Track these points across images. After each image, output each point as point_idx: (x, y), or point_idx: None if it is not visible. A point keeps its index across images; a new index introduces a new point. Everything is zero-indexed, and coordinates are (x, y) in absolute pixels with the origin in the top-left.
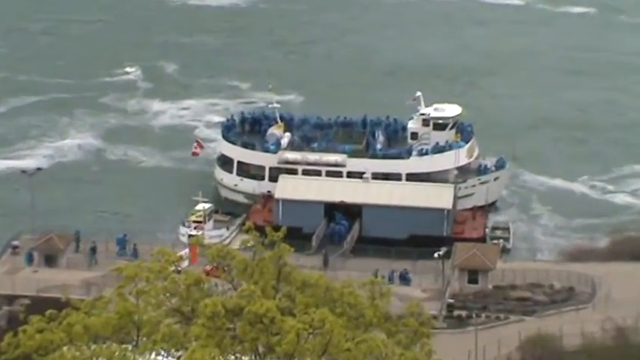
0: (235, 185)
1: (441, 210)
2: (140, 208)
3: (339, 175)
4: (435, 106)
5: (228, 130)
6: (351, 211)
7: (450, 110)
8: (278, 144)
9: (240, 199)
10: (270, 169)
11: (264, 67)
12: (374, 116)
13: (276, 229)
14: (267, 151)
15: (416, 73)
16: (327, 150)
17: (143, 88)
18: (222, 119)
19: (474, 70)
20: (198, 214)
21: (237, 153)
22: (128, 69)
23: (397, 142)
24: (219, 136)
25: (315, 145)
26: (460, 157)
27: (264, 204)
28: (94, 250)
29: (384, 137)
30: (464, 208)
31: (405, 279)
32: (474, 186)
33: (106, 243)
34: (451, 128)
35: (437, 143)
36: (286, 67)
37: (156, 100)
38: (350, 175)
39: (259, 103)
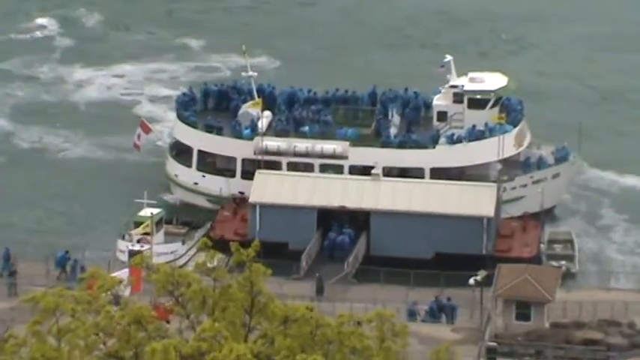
0: (195, 184)
1: (479, 219)
2: (63, 214)
3: (338, 170)
4: (471, 75)
5: (185, 108)
6: (355, 220)
7: (492, 81)
8: (254, 127)
9: (202, 202)
10: (244, 161)
11: (225, 17)
12: (386, 89)
13: (250, 244)
14: (239, 136)
15: (441, 28)
16: (321, 136)
17: (60, 48)
18: (176, 92)
19: (519, 24)
20: (143, 223)
21: (198, 139)
22: (39, 20)
23: (418, 124)
24: (172, 116)
25: (306, 129)
26: (506, 145)
27: (234, 210)
28: (12, 273)
29: (400, 118)
30: (510, 217)
31: (444, 311)
32: (524, 186)
33: (32, 263)
34: (493, 106)
35: (473, 127)
36: (254, 17)
37: (77, 65)
38: (353, 170)
39: (222, 71)
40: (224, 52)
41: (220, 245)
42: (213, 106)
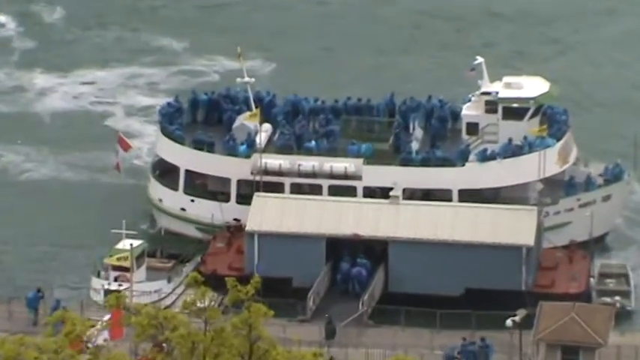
0: (183, 210)
1: (517, 248)
2: (26, 245)
3: (350, 192)
4: (507, 79)
5: (171, 121)
6: (371, 252)
7: (531, 87)
8: (252, 143)
9: (191, 231)
10: (240, 183)
11: (213, 14)
12: (406, 97)
13: (247, 280)
14: (233, 153)
15: (470, 25)
16: (330, 152)
17: (18, 50)
18: (156, 102)
19: (562, 20)
20: (122, 256)
21: (186, 158)
22: None
23: (445, 138)
24: (153, 130)
25: (312, 144)
26: (548, 162)
27: (229, 240)
28: None
29: (423, 131)
30: (554, 246)
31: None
32: (570, 210)
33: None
34: (533, 116)
35: (509, 141)
36: (247, 13)
37: (38, 70)
38: (369, 192)
39: (210, 75)
40: (211, 54)
41: (212, 281)
42: (203, 118)
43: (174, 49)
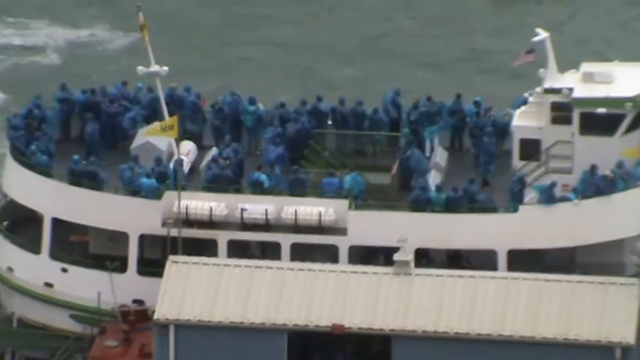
0: (48, 286)
1: (607, 350)
2: None
3: (328, 255)
4: (587, 67)
5: (27, 140)
6: (362, 352)
7: (628, 80)
8: (163, 173)
9: (62, 321)
10: (144, 240)
11: None
12: (419, 97)
13: None
14: (133, 190)
15: None
16: (295, 189)
17: None
18: (12, 110)
19: None
20: None
21: (54, 199)
22: None
23: (485, 164)
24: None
25: (263, 177)
26: None
27: (125, 336)
28: None
29: (447, 154)
30: None
31: None
32: None
33: None
34: (631, 129)
35: (592, 169)
36: None
37: None
38: (358, 255)
39: (48, 54)
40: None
41: None
42: (81, 132)
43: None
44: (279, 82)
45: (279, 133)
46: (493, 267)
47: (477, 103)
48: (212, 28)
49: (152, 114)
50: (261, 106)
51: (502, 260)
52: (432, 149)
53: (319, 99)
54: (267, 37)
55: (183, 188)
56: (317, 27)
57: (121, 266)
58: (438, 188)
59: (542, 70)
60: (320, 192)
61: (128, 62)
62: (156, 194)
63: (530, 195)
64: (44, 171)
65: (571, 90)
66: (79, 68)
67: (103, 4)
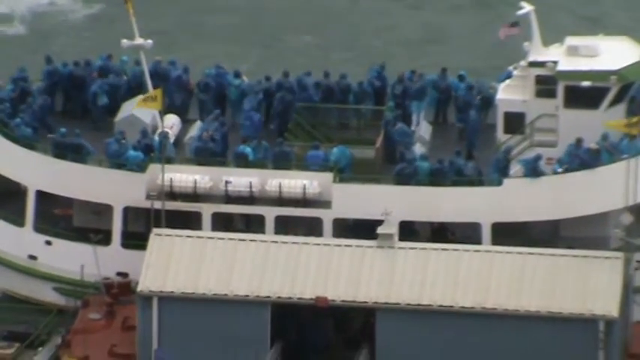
0: (31, 258)
1: (591, 322)
2: None
3: (312, 228)
4: (571, 41)
5: (11, 111)
6: (346, 325)
7: (612, 53)
8: (148, 146)
9: (46, 294)
10: (128, 213)
11: None
12: (404, 70)
13: None
14: (118, 163)
15: None
16: (279, 162)
17: None
18: None
19: None
20: None
21: (38, 172)
22: None
23: (470, 138)
24: None
25: (248, 150)
26: None
27: (109, 308)
28: None
29: (432, 127)
30: None
31: None
32: None
33: None
34: (615, 102)
35: (577, 142)
36: None
37: None
38: (343, 228)
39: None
40: None
41: None
42: (64, 105)
43: None
44: (241, 50)
45: (259, 100)
46: (477, 240)
47: (461, 77)
48: None
49: (137, 87)
50: (245, 79)
51: (486, 233)
52: (418, 122)
53: (307, 73)
54: (232, 4)
55: (171, 161)
56: None
57: (105, 239)
58: (423, 157)
59: (526, 44)
60: (304, 165)
61: (91, 32)
62: (142, 167)
63: (514, 168)
64: (28, 144)
65: (555, 63)
66: (44, 39)
67: None
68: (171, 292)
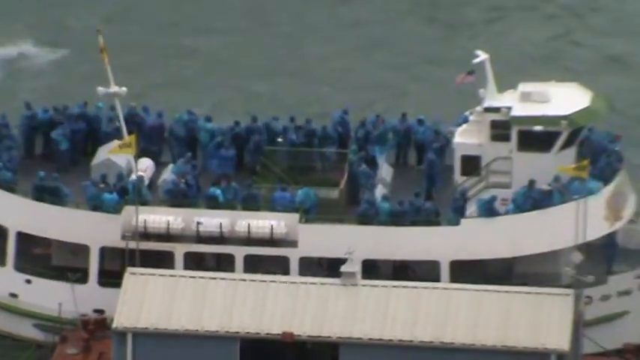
0: (12, 296)
1: (544, 356)
2: None
3: (279, 266)
4: (524, 87)
5: None
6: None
7: (563, 99)
8: (123, 189)
9: (25, 330)
10: (104, 253)
11: None
12: (367, 116)
13: None
14: (94, 205)
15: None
16: (248, 204)
17: None
18: None
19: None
20: None
21: (17, 214)
22: None
23: (430, 179)
24: None
25: (218, 192)
26: (591, 219)
27: (85, 344)
28: None
29: (393, 170)
30: (602, 352)
31: None
32: (625, 293)
33: None
34: (566, 145)
35: (530, 184)
36: None
37: None
38: (308, 266)
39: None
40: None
41: None
42: (43, 149)
43: None
44: (202, 96)
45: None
46: (437, 277)
47: (420, 121)
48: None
49: (95, 131)
50: (215, 124)
51: (445, 270)
52: (381, 166)
53: (275, 118)
54: (197, 47)
55: (146, 203)
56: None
57: (83, 277)
58: (385, 198)
59: (482, 90)
60: (272, 206)
61: (55, 79)
62: (117, 209)
63: (471, 208)
64: (9, 187)
65: (509, 109)
66: (8, 84)
67: (29, 19)
68: (145, 328)
